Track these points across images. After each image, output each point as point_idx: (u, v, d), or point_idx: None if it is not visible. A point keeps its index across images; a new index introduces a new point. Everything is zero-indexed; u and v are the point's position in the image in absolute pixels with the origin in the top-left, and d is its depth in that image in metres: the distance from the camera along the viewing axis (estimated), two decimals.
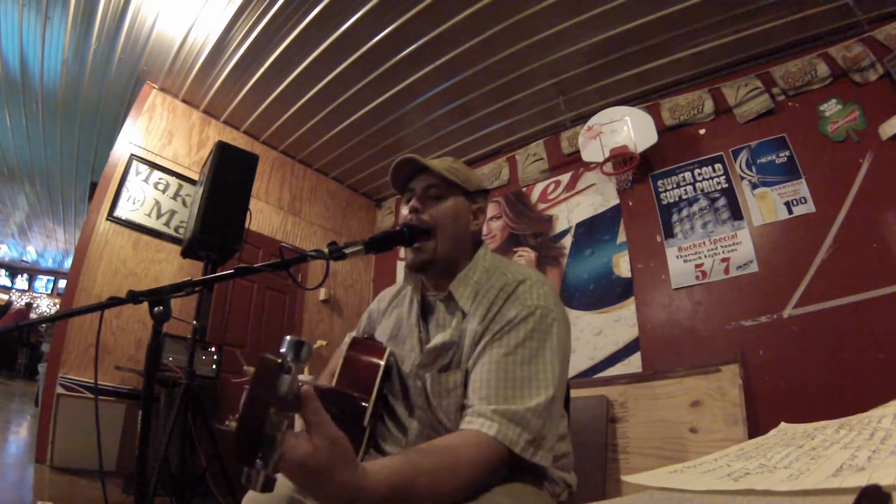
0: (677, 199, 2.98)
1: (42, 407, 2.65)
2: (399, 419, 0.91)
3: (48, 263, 10.41)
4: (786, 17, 2.65)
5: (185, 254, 2.33)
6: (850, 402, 2.06)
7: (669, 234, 2.94)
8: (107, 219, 3.03)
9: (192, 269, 3.11)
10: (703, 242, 2.80)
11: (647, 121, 2.98)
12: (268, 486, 0.45)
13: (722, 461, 0.52)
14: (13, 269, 10.63)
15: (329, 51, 3.02)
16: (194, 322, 2.13)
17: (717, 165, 2.90)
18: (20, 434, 3.53)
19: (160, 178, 3.33)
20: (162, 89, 3.51)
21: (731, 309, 2.61)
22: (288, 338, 0.47)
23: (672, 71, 3.12)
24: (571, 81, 3.27)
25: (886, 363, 2.10)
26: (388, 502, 0.57)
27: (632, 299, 2.94)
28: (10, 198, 6.47)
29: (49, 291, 10.88)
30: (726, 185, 2.84)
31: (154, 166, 3.31)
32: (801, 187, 2.59)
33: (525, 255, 3.53)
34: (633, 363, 2.79)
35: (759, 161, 2.76)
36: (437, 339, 0.87)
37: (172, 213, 3.32)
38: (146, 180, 3.26)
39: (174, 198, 3.36)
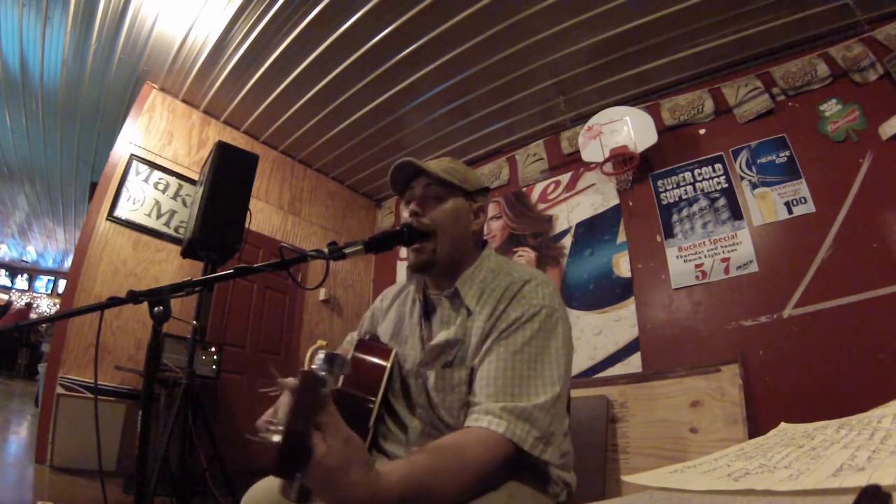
0: (677, 199, 2.98)
1: (42, 407, 2.65)
2: (400, 418, 0.91)
3: (48, 263, 10.41)
4: (786, 17, 2.65)
5: (185, 254, 2.33)
6: (850, 402, 2.06)
7: (669, 234, 2.94)
8: (107, 219, 3.03)
9: (192, 269, 3.11)
10: (703, 242, 2.80)
11: (647, 121, 2.98)
12: (305, 496, 0.46)
13: (722, 461, 0.52)
14: (13, 269, 10.63)
15: (329, 51, 3.02)
16: (194, 322, 2.13)
17: (717, 165, 2.90)
18: (20, 434, 3.53)
19: (160, 178, 3.33)
20: (162, 89, 3.51)
21: (731, 309, 2.61)
22: (322, 353, 0.49)
23: (672, 71, 3.12)
24: (571, 81, 3.27)
25: (886, 363, 2.10)
26: (402, 503, 0.57)
27: (632, 299, 2.94)
28: (10, 198, 6.47)
29: (49, 291, 10.88)
30: (726, 185, 2.84)
31: (154, 166, 3.31)
32: (801, 187, 2.59)
33: (525, 255, 3.53)
34: (633, 363, 2.80)
35: (759, 161, 2.76)
36: (440, 336, 0.88)
37: (172, 213, 3.32)
38: (146, 180, 3.26)
39: (174, 198, 3.36)
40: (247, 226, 2.24)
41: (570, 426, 0.94)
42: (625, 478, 0.58)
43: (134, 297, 0.75)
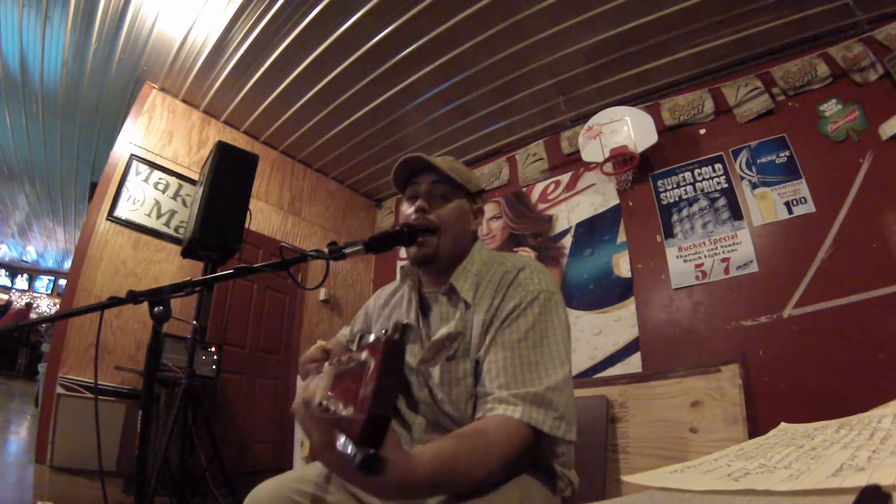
0: (677, 199, 2.98)
1: (42, 407, 2.65)
2: (402, 416, 0.92)
3: (48, 263, 10.41)
4: (786, 17, 2.65)
5: (185, 254, 2.33)
6: (850, 402, 2.06)
7: (669, 234, 2.94)
8: (107, 219, 3.03)
9: (192, 269, 3.11)
10: (703, 242, 2.80)
11: (647, 121, 2.98)
12: (379, 465, 0.44)
13: (722, 461, 0.52)
14: (13, 269, 10.63)
15: (329, 51, 3.02)
16: (194, 322, 2.13)
17: (717, 165, 2.90)
18: (20, 434, 3.53)
19: (160, 178, 3.33)
20: (162, 89, 3.51)
21: (731, 309, 2.61)
22: (393, 323, 0.48)
23: (672, 71, 3.12)
24: (571, 81, 3.27)
25: (886, 363, 2.10)
26: (431, 485, 0.58)
27: (632, 299, 2.94)
28: (10, 198, 6.47)
29: (49, 291, 10.88)
30: (726, 185, 2.84)
31: (154, 166, 3.31)
32: (801, 187, 2.59)
33: (525, 255, 3.53)
34: (633, 363, 2.79)
35: (759, 161, 2.76)
36: (441, 330, 0.88)
37: (172, 213, 3.32)
38: (146, 180, 3.26)
39: (174, 198, 3.36)
40: (247, 226, 2.24)
41: None
42: (625, 478, 0.58)
43: (134, 297, 0.75)
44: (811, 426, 0.59)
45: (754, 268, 2.61)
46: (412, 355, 0.92)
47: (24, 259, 10.08)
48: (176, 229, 3.29)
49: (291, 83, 3.33)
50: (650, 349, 2.78)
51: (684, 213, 2.93)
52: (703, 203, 2.88)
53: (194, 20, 2.92)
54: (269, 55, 3.11)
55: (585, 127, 3.21)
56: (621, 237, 3.13)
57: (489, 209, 3.84)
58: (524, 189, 3.74)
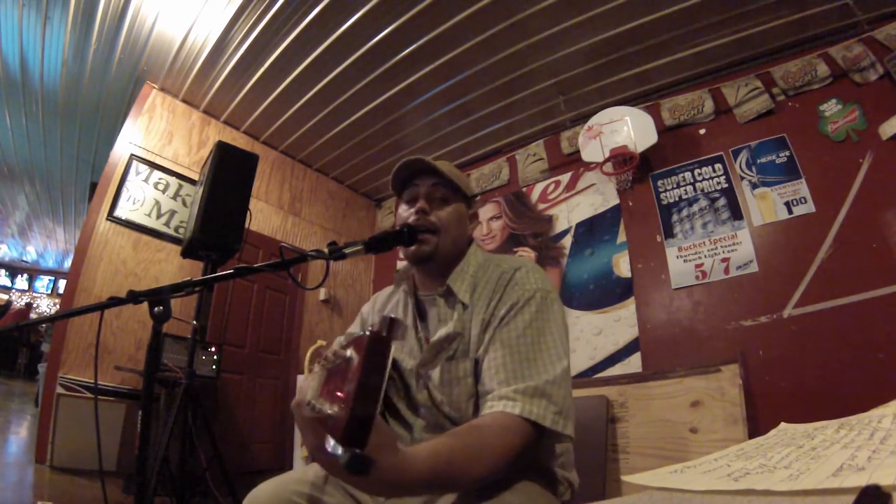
0: (677, 199, 2.98)
1: (42, 407, 2.65)
2: (403, 417, 0.92)
3: (48, 263, 10.41)
4: (786, 17, 2.65)
5: (185, 254, 2.33)
6: (850, 402, 2.06)
7: (669, 234, 2.94)
8: (107, 219, 3.03)
9: (192, 269, 3.11)
10: (703, 242, 2.80)
11: (647, 121, 2.98)
12: (366, 466, 0.43)
13: (722, 461, 0.52)
14: (13, 269, 10.63)
15: (329, 51, 3.02)
16: (194, 322, 2.13)
17: (717, 165, 2.90)
18: (20, 434, 3.53)
19: (160, 178, 3.33)
20: (162, 89, 3.51)
21: (731, 309, 2.61)
22: (381, 317, 0.47)
23: (672, 71, 3.12)
24: (571, 81, 3.27)
25: (886, 363, 2.10)
26: (429, 485, 0.58)
27: (632, 299, 2.94)
28: (10, 198, 6.47)
29: (49, 291, 10.88)
30: (726, 185, 2.84)
31: (154, 166, 3.31)
32: (801, 187, 2.59)
33: (525, 255, 3.53)
34: (633, 363, 2.79)
35: (759, 161, 2.76)
36: (440, 332, 0.88)
37: (172, 213, 3.32)
38: (146, 180, 3.26)
39: (174, 198, 3.36)
40: (247, 226, 2.24)
41: None
42: (625, 478, 0.58)
43: (134, 297, 0.75)
44: (811, 426, 0.59)
45: (754, 268, 2.61)
46: (411, 357, 0.92)
47: (24, 259, 10.08)
48: (176, 229, 3.29)
49: (291, 83, 3.33)
50: (650, 349, 2.78)
51: (684, 213, 2.93)
52: (703, 203, 2.88)
53: (194, 20, 2.92)
54: (269, 55, 3.11)
55: (585, 127, 3.20)
56: (621, 237, 3.13)
57: (489, 209, 3.84)
58: (524, 189, 3.74)
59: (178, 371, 2.24)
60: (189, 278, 0.83)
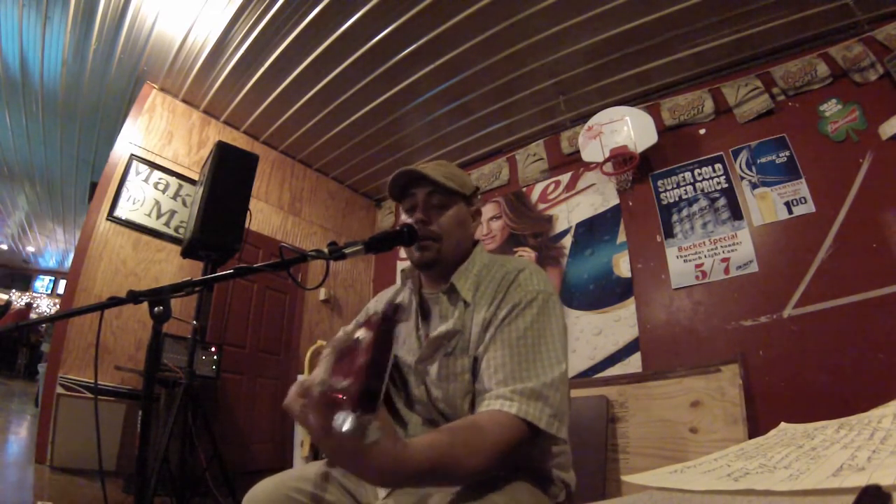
0: (677, 199, 2.98)
1: (42, 407, 2.65)
2: (398, 413, 0.93)
3: (48, 263, 10.41)
4: (786, 17, 2.65)
5: (185, 254, 2.33)
6: (850, 402, 2.07)
7: (669, 234, 2.94)
8: (107, 219, 3.03)
9: (192, 269, 3.11)
10: (703, 242, 2.80)
11: (647, 121, 2.98)
12: (360, 430, 0.47)
13: (722, 461, 0.52)
14: (13, 269, 10.63)
15: (329, 51, 3.02)
16: (194, 322, 2.13)
17: (717, 165, 2.90)
18: (20, 434, 3.53)
19: (160, 178, 3.32)
20: (162, 89, 3.51)
21: (731, 309, 2.61)
22: (387, 303, 0.52)
23: (672, 71, 3.11)
24: (571, 81, 3.27)
25: (886, 363, 2.10)
26: (426, 475, 0.58)
27: (632, 299, 2.94)
28: (10, 198, 6.47)
29: (49, 291, 10.88)
30: (726, 185, 2.84)
31: (154, 166, 3.31)
32: (801, 187, 2.59)
33: (525, 255, 3.53)
34: (633, 363, 2.79)
35: (759, 161, 2.76)
36: (440, 328, 0.88)
37: (172, 213, 3.32)
38: (146, 180, 3.26)
39: (174, 198, 3.36)
40: (247, 226, 2.24)
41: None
42: (625, 478, 0.58)
43: (134, 297, 0.75)
44: (811, 426, 0.59)
45: (754, 268, 2.61)
46: (411, 353, 0.92)
47: (24, 259, 10.08)
48: (176, 229, 3.29)
49: (291, 83, 3.33)
50: (650, 349, 2.78)
51: (684, 213, 2.93)
52: (703, 203, 2.88)
53: (194, 20, 2.92)
54: (269, 55, 3.11)
55: (585, 127, 3.20)
56: (621, 237, 3.13)
57: (489, 209, 3.84)
58: (524, 189, 3.73)
59: (178, 371, 2.24)
60: (189, 278, 0.83)
